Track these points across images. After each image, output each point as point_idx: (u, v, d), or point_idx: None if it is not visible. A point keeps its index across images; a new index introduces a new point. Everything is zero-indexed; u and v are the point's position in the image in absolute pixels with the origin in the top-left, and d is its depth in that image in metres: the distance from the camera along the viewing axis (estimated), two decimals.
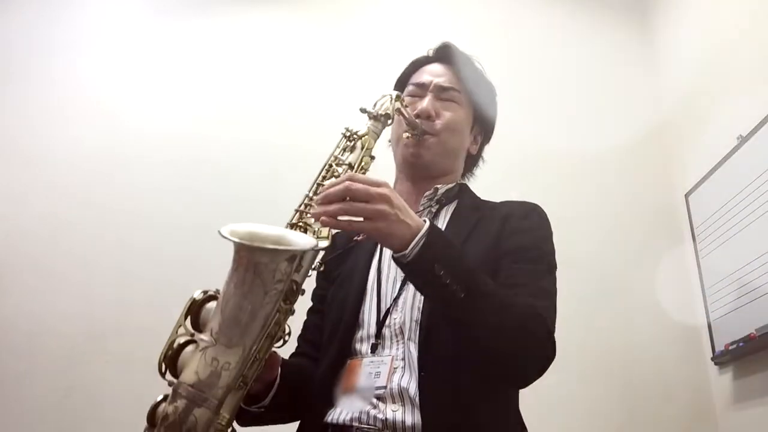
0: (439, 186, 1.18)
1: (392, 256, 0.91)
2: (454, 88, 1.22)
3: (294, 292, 0.92)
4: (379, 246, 1.15)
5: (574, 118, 2.68)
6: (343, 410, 1.00)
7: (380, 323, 1.05)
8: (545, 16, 2.86)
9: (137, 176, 2.43)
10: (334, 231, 0.93)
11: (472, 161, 1.31)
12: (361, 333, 1.06)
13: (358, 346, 1.05)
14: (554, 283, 1.09)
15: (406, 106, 1.13)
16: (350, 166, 1.01)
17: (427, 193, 1.18)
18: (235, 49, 2.68)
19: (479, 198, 1.24)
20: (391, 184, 1.22)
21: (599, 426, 2.26)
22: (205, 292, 0.90)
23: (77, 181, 2.39)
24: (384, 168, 1.15)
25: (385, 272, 1.12)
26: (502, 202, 1.21)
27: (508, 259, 1.06)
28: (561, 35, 2.82)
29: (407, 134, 1.15)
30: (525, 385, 1.03)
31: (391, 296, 1.07)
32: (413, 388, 0.97)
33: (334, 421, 1.00)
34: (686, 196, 2.50)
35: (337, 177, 0.97)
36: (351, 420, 0.98)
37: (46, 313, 2.19)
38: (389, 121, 1.08)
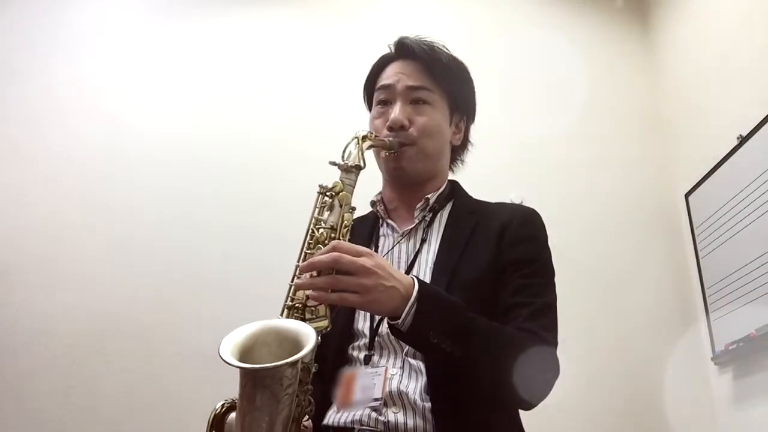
0: (429, 195, 1.16)
1: (388, 323, 0.92)
2: (423, 86, 1.16)
3: (307, 372, 0.92)
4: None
5: (573, 118, 2.68)
6: (342, 413, 1.00)
7: (373, 333, 1.05)
8: (545, 15, 2.86)
9: (138, 175, 2.42)
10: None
11: (458, 150, 1.26)
12: (357, 342, 1.06)
13: (354, 354, 1.06)
14: (555, 291, 1.09)
15: (376, 136, 1.10)
16: (332, 229, 0.98)
17: (419, 204, 1.16)
18: (236, 49, 2.67)
19: (472, 198, 1.22)
20: (379, 188, 1.23)
21: (599, 426, 2.26)
22: (223, 405, 0.92)
23: (78, 181, 2.38)
24: (371, 172, 1.14)
25: None
26: (497, 205, 1.20)
27: (512, 272, 1.05)
28: (561, 35, 2.81)
29: (385, 153, 1.13)
30: (531, 408, 1.03)
31: None
32: (412, 392, 0.98)
33: (335, 423, 1.00)
34: (686, 196, 2.50)
35: (321, 240, 0.97)
36: (352, 422, 0.98)
37: (47, 313, 2.19)
38: (361, 170, 1.04)
